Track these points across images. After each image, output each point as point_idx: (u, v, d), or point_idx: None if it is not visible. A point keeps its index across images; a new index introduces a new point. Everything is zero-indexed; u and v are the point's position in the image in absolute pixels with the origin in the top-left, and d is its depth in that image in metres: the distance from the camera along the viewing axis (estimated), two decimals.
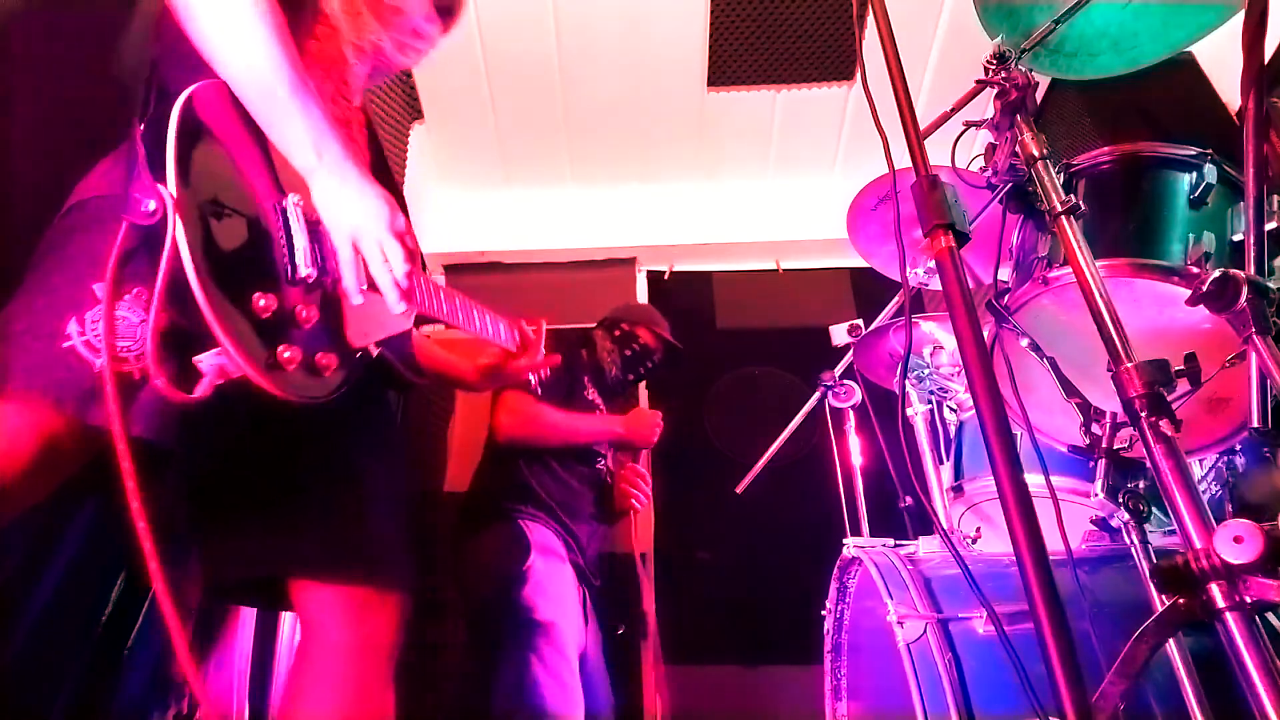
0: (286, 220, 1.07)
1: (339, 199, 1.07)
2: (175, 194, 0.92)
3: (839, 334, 2.31)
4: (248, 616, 1.89)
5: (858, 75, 3.17)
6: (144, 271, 0.94)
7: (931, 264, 2.10)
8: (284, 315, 1.02)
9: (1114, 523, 1.50)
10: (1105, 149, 1.45)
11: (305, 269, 1.05)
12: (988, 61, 1.26)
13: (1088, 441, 1.31)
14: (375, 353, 1.20)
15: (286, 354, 0.99)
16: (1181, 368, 0.94)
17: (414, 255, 1.14)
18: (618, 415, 2.43)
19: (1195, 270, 1.26)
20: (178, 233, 0.91)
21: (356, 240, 1.08)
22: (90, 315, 0.93)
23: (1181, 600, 0.79)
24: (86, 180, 1.11)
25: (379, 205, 1.09)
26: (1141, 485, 1.28)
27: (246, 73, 1.03)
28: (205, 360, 0.92)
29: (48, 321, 0.95)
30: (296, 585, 1.21)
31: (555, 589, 2.05)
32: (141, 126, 0.97)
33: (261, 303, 0.98)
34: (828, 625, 1.74)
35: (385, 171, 1.44)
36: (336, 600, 1.19)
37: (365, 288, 1.10)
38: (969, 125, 1.32)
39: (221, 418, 1.01)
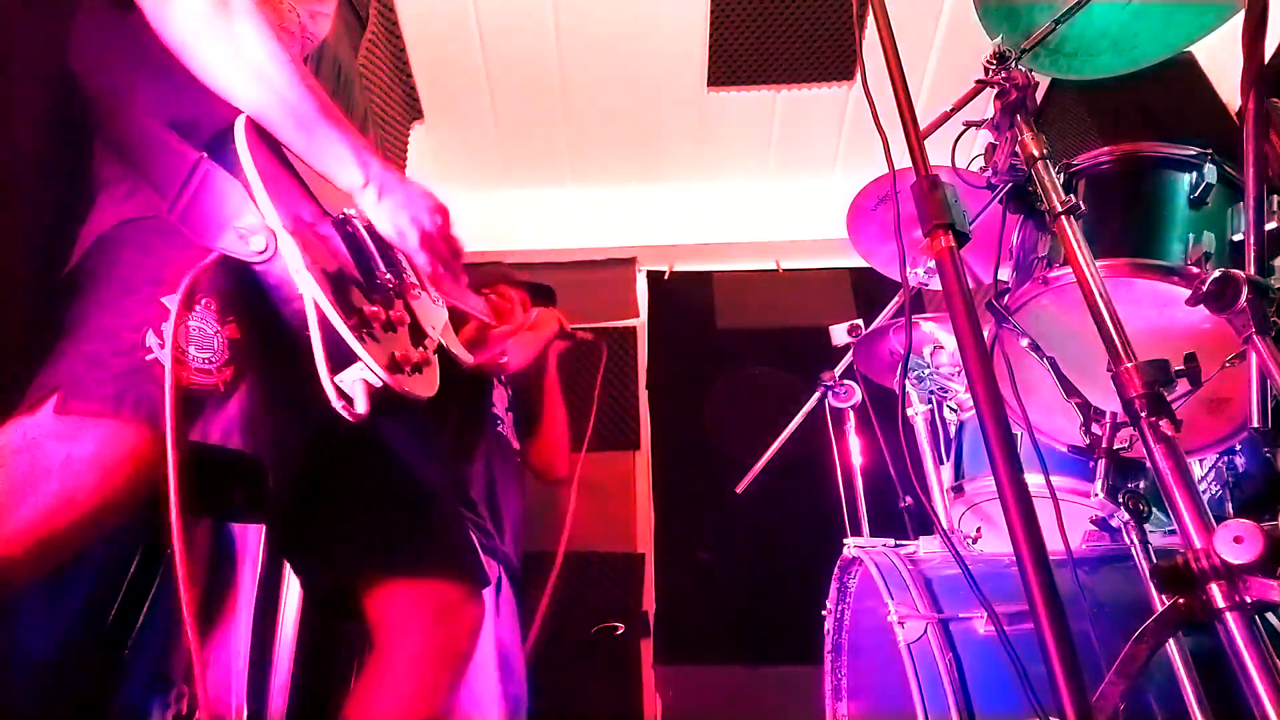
0: (354, 232, 1.09)
1: (402, 208, 1.10)
2: (285, 227, 0.93)
3: (839, 334, 2.31)
4: (246, 616, 1.88)
5: (858, 75, 3.17)
6: (215, 285, 0.95)
7: (931, 264, 2.10)
8: (387, 320, 1.03)
9: (1114, 523, 1.50)
10: (1105, 149, 1.44)
11: (384, 273, 1.08)
12: (988, 61, 1.26)
13: (1088, 441, 1.31)
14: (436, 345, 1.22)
15: (399, 354, 1.01)
16: (1181, 368, 0.94)
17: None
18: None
19: (1195, 270, 1.26)
20: (298, 266, 0.92)
21: (427, 240, 1.12)
22: (166, 327, 0.91)
23: (1181, 600, 0.79)
24: (99, 214, 1.07)
25: (432, 200, 1.13)
26: (1141, 485, 1.28)
27: (280, 107, 1.02)
28: (348, 377, 0.92)
29: (125, 337, 0.92)
30: (373, 592, 1.21)
31: None
32: (204, 157, 0.98)
33: (371, 310, 0.99)
34: (828, 625, 1.73)
35: None
36: (415, 606, 1.19)
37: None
38: (969, 125, 1.32)
39: (302, 431, 1.01)
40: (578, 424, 2.50)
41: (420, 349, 1.08)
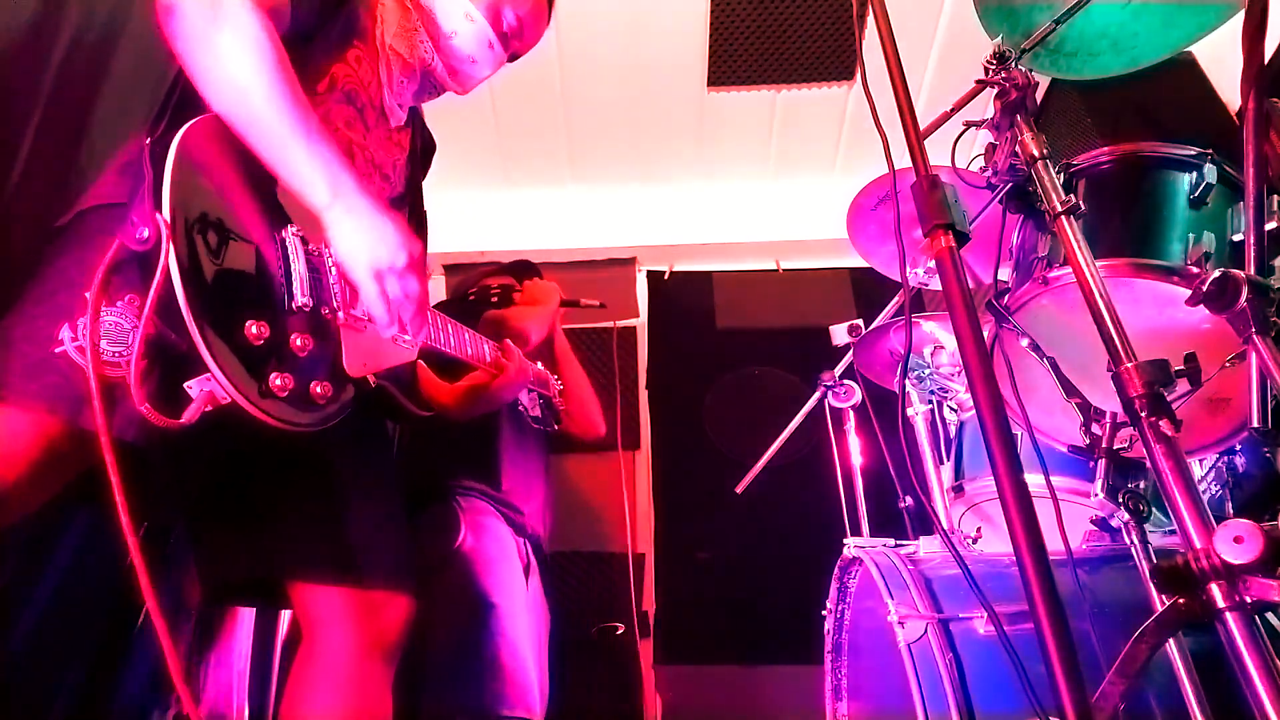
0: (284, 251, 1.07)
1: (356, 235, 1.06)
2: (170, 222, 0.92)
3: (839, 334, 2.31)
4: (247, 616, 1.88)
5: (858, 75, 3.17)
6: (138, 281, 0.94)
7: (931, 264, 2.10)
8: (278, 344, 1.02)
9: (1114, 523, 1.50)
10: (1105, 149, 1.44)
11: (301, 298, 1.06)
12: (988, 61, 1.26)
13: (1088, 441, 1.31)
14: (374, 383, 1.20)
15: (278, 381, 0.99)
16: (1181, 368, 0.94)
17: (426, 286, 1.15)
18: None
19: (1195, 270, 1.26)
20: (170, 261, 0.91)
21: (380, 275, 1.08)
22: (83, 322, 0.93)
23: (1181, 600, 0.79)
24: (97, 185, 1.11)
25: (398, 238, 1.09)
26: (1141, 485, 1.28)
27: (249, 117, 1.02)
28: (194, 386, 0.93)
29: (43, 328, 0.96)
30: (296, 588, 1.21)
31: (497, 569, 1.93)
32: (149, 143, 0.97)
33: (254, 330, 0.98)
34: (828, 625, 1.73)
35: (418, 189, 1.48)
36: (338, 603, 1.20)
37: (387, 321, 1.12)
38: (969, 125, 1.32)
39: (212, 435, 1.00)
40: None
41: (322, 381, 1.06)
